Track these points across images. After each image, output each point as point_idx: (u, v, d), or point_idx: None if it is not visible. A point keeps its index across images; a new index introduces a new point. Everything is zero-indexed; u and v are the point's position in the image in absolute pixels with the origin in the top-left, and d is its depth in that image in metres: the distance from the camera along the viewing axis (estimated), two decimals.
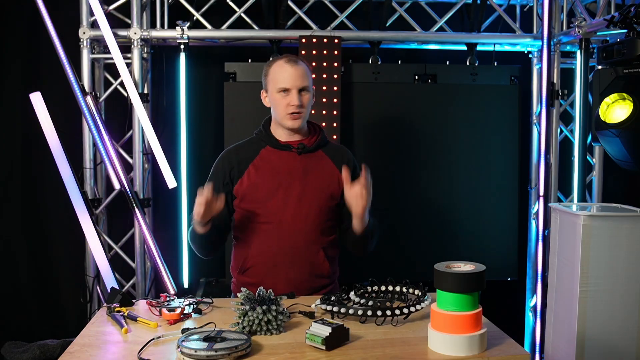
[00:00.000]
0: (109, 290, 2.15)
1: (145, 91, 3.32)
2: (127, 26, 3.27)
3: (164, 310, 1.75)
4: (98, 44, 3.34)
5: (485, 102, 3.41)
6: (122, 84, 3.27)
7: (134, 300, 1.90)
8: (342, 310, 1.71)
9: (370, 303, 1.77)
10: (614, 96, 2.32)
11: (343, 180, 1.99)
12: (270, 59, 2.17)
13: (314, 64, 3.18)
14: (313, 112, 3.18)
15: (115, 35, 3.20)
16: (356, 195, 1.96)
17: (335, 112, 3.20)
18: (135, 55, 3.26)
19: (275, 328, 1.62)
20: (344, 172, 1.98)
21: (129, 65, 3.27)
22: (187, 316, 1.77)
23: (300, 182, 2.10)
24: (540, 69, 3.25)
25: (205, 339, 1.48)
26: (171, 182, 3.19)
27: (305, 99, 2.07)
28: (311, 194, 2.10)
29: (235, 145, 2.22)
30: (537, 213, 3.36)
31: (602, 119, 2.34)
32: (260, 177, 2.10)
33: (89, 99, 3.18)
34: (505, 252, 3.47)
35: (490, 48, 3.50)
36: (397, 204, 3.38)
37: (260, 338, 1.59)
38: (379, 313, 1.68)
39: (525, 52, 3.58)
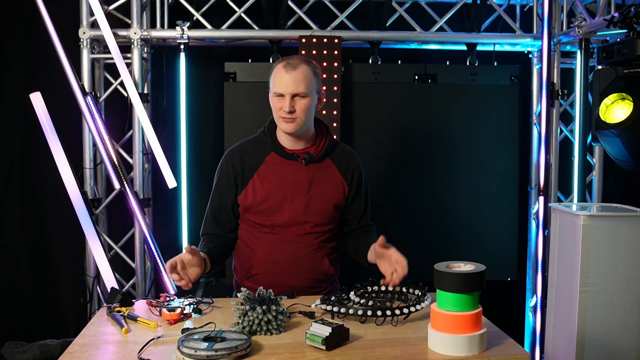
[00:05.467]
0: (109, 290, 2.15)
1: (145, 91, 3.32)
2: (127, 26, 3.27)
3: (164, 310, 1.75)
4: (98, 44, 3.34)
5: (485, 102, 3.41)
6: (122, 84, 3.27)
7: (134, 300, 1.90)
8: (342, 310, 1.71)
9: (370, 303, 1.77)
10: (614, 96, 2.32)
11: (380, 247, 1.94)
12: (279, 57, 2.15)
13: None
14: None
15: (115, 35, 3.20)
16: (391, 269, 1.91)
17: (335, 112, 3.20)
18: (135, 55, 3.25)
19: (275, 328, 1.62)
20: (380, 240, 1.93)
21: (129, 65, 3.27)
22: (187, 316, 1.77)
23: (305, 194, 2.08)
24: (540, 69, 3.25)
25: (205, 339, 1.48)
26: (171, 182, 3.19)
27: (301, 104, 2.00)
28: (315, 206, 2.08)
29: (239, 147, 2.15)
30: (537, 213, 3.36)
31: (602, 119, 2.34)
32: (265, 189, 2.07)
33: (89, 99, 3.18)
34: (505, 252, 3.47)
35: (490, 48, 3.50)
36: (397, 204, 3.38)
37: (260, 338, 1.59)
38: (379, 313, 1.68)
39: (525, 52, 3.58)
